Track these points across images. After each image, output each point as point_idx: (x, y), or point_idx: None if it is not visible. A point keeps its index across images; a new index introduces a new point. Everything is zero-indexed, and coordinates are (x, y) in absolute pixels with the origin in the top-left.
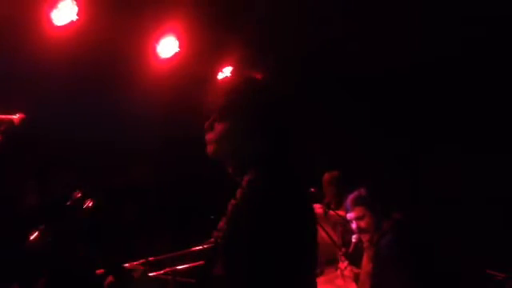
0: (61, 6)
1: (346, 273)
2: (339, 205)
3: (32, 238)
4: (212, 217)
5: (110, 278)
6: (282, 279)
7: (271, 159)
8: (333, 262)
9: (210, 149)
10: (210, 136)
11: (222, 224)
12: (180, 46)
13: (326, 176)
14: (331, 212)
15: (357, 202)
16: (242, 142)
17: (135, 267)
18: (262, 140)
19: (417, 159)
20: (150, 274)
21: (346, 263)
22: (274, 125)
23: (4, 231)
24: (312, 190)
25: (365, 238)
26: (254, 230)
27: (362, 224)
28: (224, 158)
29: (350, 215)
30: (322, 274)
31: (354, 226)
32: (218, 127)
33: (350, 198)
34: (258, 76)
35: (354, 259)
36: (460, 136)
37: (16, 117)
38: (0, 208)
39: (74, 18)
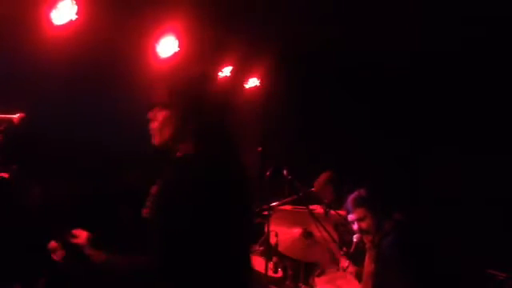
0: (60, 5)
1: (348, 273)
2: (337, 205)
3: None
4: None
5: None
6: (202, 250)
7: (202, 141)
8: (334, 262)
9: (154, 138)
10: (153, 125)
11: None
12: (179, 46)
13: (322, 177)
14: (332, 212)
15: (358, 203)
16: (180, 126)
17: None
18: (196, 124)
19: (416, 160)
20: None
21: (347, 263)
22: (207, 111)
23: (5, 231)
24: (259, 149)
25: (366, 238)
26: (171, 204)
27: (364, 225)
28: (166, 144)
29: (351, 216)
30: (323, 273)
31: (355, 227)
32: (160, 116)
33: (351, 199)
34: (197, 68)
35: (356, 259)
36: (459, 137)
37: (16, 116)
38: (0, 208)
39: (74, 17)
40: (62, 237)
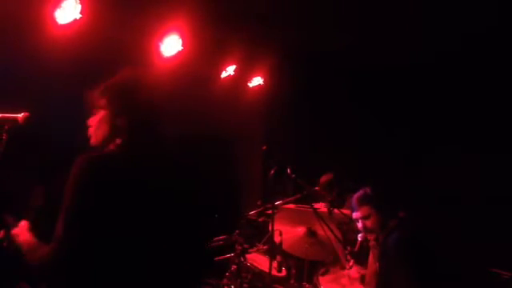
0: (64, 4)
1: (352, 272)
2: (342, 204)
3: None
4: (216, 215)
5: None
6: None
7: (125, 140)
8: (338, 261)
9: (91, 139)
10: (90, 129)
11: None
12: (183, 45)
13: (322, 179)
14: (336, 211)
15: (362, 201)
16: (111, 128)
17: None
18: (123, 123)
19: (420, 158)
20: None
21: (351, 262)
22: (134, 110)
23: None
24: (263, 147)
25: (371, 237)
26: (67, 199)
27: (368, 223)
28: (101, 143)
29: (355, 214)
30: (327, 272)
31: (359, 225)
32: (96, 118)
33: (356, 197)
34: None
35: (360, 258)
36: (462, 136)
37: (20, 115)
38: (4, 207)
39: (78, 16)
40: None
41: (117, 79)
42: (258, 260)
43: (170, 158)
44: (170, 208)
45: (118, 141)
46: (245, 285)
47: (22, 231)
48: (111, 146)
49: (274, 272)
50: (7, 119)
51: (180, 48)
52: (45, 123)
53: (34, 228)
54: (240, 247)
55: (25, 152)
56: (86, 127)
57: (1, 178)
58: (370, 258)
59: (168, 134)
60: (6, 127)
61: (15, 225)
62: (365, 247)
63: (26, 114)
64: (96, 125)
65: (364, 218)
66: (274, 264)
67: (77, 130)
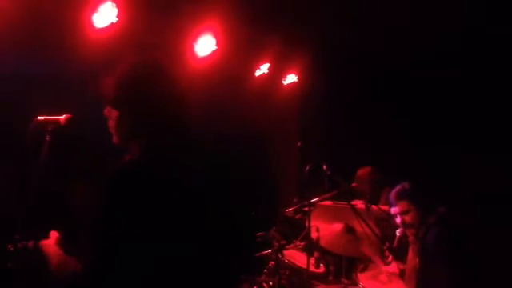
0: (101, 8)
1: (391, 268)
2: (377, 200)
3: None
4: (253, 213)
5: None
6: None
7: (150, 141)
8: (377, 257)
9: (114, 137)
10: (111, 123)
11: None
12: (217, 44)
13: (360, 172)
14: (374, 207)
15: (401, 196)
16: (131, 128)
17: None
18: (144, 123)
19: (459, 155)
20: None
21: (390, 258)
22: (160, 113)
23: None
24: (298, 144)
25: (410, 232)
26: (100, 220)
27: (407, 218)
28: (124, 142)
29: (394, 210)
30: (366, 269)
31: (398, 220)
32: (114, 114)
33: (394, 192)
34: (152, 64)
35: (399, 254)
36: (501, 133)
37: (62, 117)
38: (50, 208)
39: (114, 20)
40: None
41: (128, 69)
42: (296, 256)
43: (203, 157)
44: (210, 213)
45: (141, 142)
46: (283, 281)
47: (52, 244)
48: (135, 150)
49: (312, 268)
50: (50, 121)
51: (214, 48)
52: (85, 125)
53: (68, 232)
54: (277, 244)
55: (67, 153)
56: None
57: (45, 179)
58: (410, 254)
59: (200, 130)
60: (49, 129)
61: (46, 236)
62: (403, 243)
63: (68, 115)
64: (115, 122)
65: (402, 213)
66: (312, 260)
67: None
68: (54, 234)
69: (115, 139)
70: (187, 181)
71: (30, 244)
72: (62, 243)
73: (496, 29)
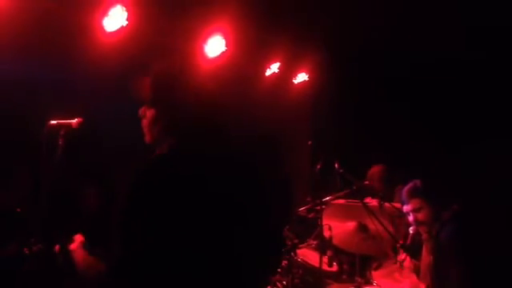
0: (111, 12)
1: (405, 265)
2: (390, 197)
3: None
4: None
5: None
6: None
7: (180, 140)
8: (390, 255)
9: (146, 136)
10: (144, 122)
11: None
12: (227, 45)
13: (372, 170)
14: (387, 204)
15: (413, 194)
16: (164, 127)
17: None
18: (175, 121)
19: (472, 151)
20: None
21: (404, 255)
22: (192, 113)
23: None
24: (309, 142)
25: (423, 229)
26: (126, 209)
27: (420, 216)
28: (156, 142)
29: (406, 207)
30: (380, 266)
31: (411, 218)
32: (148, 114)
33: (406, 190)
34: (180, 67)
35: (412, 251)
36: None
37: (74, 121)
38: (64, 210)
39: (124, 23)
40: (62, 242)
41: (159, 71)
42: (309, 255)
43: (232, 157)
44: (235, 210)
45: (171, 140)
46: (296, 280)
47: (78, 248)
48: (164, 147)
49: (325, 267)
50: (62, 125)
51: (224, 48)
52: (96, 128)
53: (87, 234)
54: (290, 243)
55: (80, 156)
56: (136, 131)
57: (59, 181)
58: (424, 252)
59: (232, 131)
60: (62, 132)
61: (71, 239)
62: (417, 240)
63: (80, 119)
64: (148, 122)
65: (415, 210)
66: (325, 259)
67: (126, 135)
68: (78, 238)
69: (147, 138)
70: (216, 179)
71: (57, 248)
72: (87, 246)
73: None
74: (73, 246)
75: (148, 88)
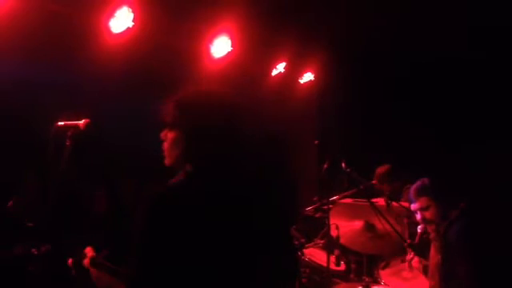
0: (118, 14)
1: (413, 264)
2: (397, 196)
3: None
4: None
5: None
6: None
7: (199, 166)
8: (398, 254)
9: (165, 159)
10: (165, 145)
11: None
12: (233, 45)
13: (379, 170)
14: (394, 204)
15: (420, 192)
16: (184, 148)
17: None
18: (196, 148)
19: (479, 149)
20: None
21: (412, 255)
22: (210, 135)
23: (74, 235)
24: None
25: (430, 228)
26: (142, 229)
27: (427, 214)
28: (175, 164)
29: (414, 206)
30: (388, 266)
31: (418, 216)
32: (169, 136)
33: (413, 188)
34: (207, 93)
35: (420, 250)
36: None
37: (81, 122)
38: (71, 211)
39: (130, 24)
40: (76, 256)
41: (189, 95)
42: (316, 255)
43: (251, 190)
44: (257, 243)
45: (189, 167)
46: (303, 279)
47: (91, 264)
48: (182, 174)
49: (333, 266)
50: (69, 126)
51: (230, 49)
52: (103, 129)
53: (97, 234)
54: (297, 242)
55: (87, 157)
56: (144, 132)
57: (66, 183)
58: (432, 251)
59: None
60: (69, 134)
61: (82, 254)
62: (425, 239)
63: (87, 120)
64: (169, 145)
65: (422, 209)
66: (332, 258)
67: (132, 135)
68: (89, 252)
69: (167, 161)
70: (230, 208)
71: (70, 262)
72: (96, 259)
73: None
74: (86, 262)
75: (171, 112)
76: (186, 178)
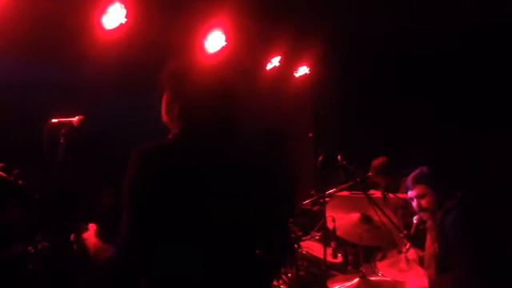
0: (110, 10)
1: (409, 255)
2: (393, 188)
3: None
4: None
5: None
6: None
7: (185, 126)
8: (395, 246)
9: (163, 117)
10: (163, 106)
11: None
12: (227, 40)
13: (375, 163)
14: (390, 195)
15: (418, 180)
16: (171, 107)
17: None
18: (180, 108)
19: (476, 139)
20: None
21: (408, 245)
22: (203, 102)
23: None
24: (310, 134)
25: (425, 216)
26: (129, 192)
27: (423, 202)
28: (169, 124)
29: (410, 193)
30: (385, 257)
31: (414, 204)
32: (163, 98)
33: (411, 176)
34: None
35: (416, 241)
36: None
37: (75, 119)
38: (68, 208)
39: (123, 20)
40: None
41: (169, 65)
42: (313, 247)
43: (238, 149)
44: (232, 200)
45: (176, 129)
46: (301, 272)
47: (91, 235)
48: (169, 135)
49: (330, 258)
50: (63, 123)
51: (224, 43)
52: (98, 125)
53: (103, 228)
54: (294, 235)
55: (84, 154)
56: (137, 127)
57: (66, 179)
58: (428, 241)
59: (246, 125)
60: (63, 131)
61: (85, 228)
62: (421, 230)
63: (81, 117)
64: (163, 111)
65: (419, 197)
66: (329, 251)
67: (128, 130)
68: (92, 227)
69: (164, 118)
70: (216, 170)
71: (72, 236)
72: (100, 233)
73: None
74: (86, 235)
75: (164, 77)
76: (174, 138)
